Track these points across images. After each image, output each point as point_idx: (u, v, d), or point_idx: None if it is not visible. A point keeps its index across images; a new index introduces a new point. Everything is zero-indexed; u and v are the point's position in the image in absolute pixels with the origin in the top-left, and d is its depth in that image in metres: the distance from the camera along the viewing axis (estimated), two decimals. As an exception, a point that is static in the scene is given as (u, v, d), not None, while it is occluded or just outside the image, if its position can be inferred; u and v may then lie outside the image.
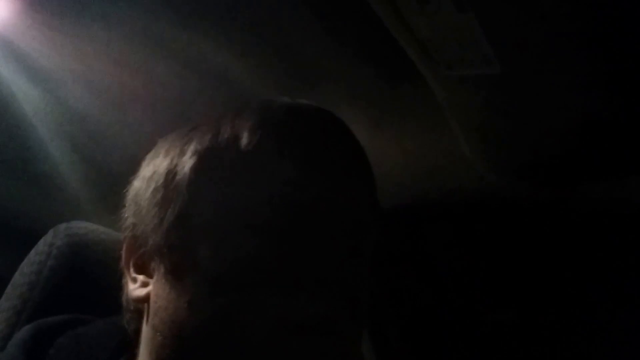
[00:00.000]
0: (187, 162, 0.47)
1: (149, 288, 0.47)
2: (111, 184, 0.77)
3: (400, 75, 0.68)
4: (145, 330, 0.48)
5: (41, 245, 0.61)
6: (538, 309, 0.90)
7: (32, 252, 0.61)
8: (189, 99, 0.74)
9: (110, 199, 0.59)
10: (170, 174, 0.47)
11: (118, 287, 0.53)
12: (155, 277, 0.46)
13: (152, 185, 0.48)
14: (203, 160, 0.46)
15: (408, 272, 0.94)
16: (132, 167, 0.53)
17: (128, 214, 0.50)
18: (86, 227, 0.63)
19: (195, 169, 0.46)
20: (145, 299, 0.47)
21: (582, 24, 0.48)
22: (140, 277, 0.48)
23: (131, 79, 0.70)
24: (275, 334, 0.42)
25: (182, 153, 0.48)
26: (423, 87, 0.63)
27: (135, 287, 0.48)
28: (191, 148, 0.47)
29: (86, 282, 0.60)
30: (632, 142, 0.64)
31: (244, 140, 0.46)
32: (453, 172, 0.78)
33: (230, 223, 0.44)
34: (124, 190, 0.53)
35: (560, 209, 0.84)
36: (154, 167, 0.49)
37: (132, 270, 0.49)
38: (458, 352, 0.93)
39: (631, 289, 0.85)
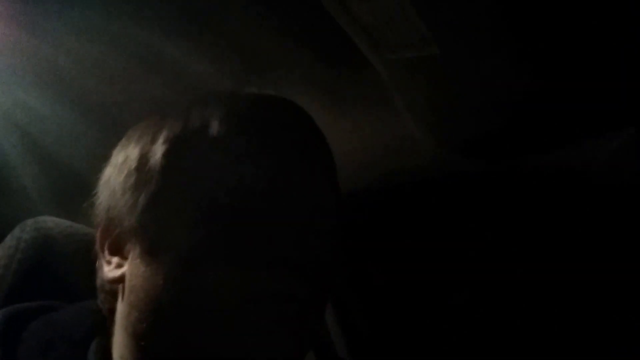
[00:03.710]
0: (159, 149, 0.50)
1: (124, 269, 0.49)
2: (73, 182, 0.78)
3: (348, 62, 0.71)
4: (121, 308, 0.50)
5: (9, 240, 0.62)
6: (491, 288, 0.94)
7: (0, 247, 0.62)
8: (146, 95, 0.75)
9: (73, 196, 0.60)
10: (143, 159, 0.50)
11: (87, 277, 0.55)
12: (130, 258, 0.49)
13: (125, 171, 0.51)
14: (174, 147, 0.49)
15: (369, 253, 0.97)
16: (94, 165, 0.55)
17: (101, 199, 0.53)
18: (53, 221, 0.65)
19: (167, 154, 0.49)
20: (121, 279, 0.49)
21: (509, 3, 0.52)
22: (115, 259, 0.50)
23: (89, 77, 0.72)
24: (240, 307, 0.45)
25: (153, 140, 0.51)
26: (371, 71, 0.67)
27: (110, 269, 0.50)
28: (162, 135, 0.50)
29: (55, 274, 0.62)
30: (566, 114, 0.69)
31: (213, 128, 0.49)
32: (404, 152, 0.82)
33: (200, 204, 0.47)
34: (83, 186, 0.55)
35: (506, 182, 0.88)
36: (126, 154, 0.52)
37: (106, 253, 0.51)
38: (420, 329, 0.97)
39: (581, 256, 0.89)
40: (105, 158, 0.55)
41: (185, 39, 0.68)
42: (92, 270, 0.54)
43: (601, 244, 0.86)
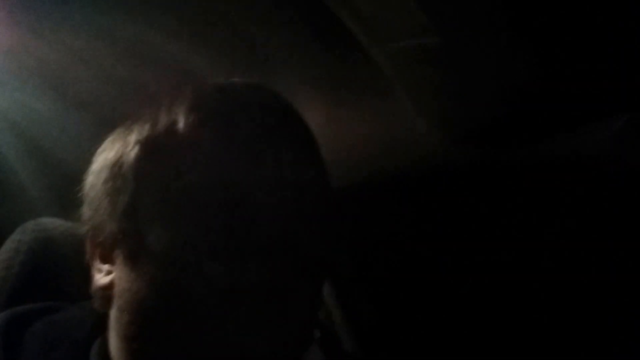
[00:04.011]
0: (131, 153, 0.49)
1: (113, 275, 0.50)
2: (73, 183, 0.78)
3: (348, 53, 0.70)
4: (113, 313, 0.51)
5: (9, 243, 0.62)
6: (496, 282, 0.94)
7: (1, 249, 0.62)
8: (141, 92, 0.75)
9: (74, 198, 0.60)
10: (117, 165, 0.50)
11: (87, 278, 0.55)
12: (117, 264, 0.49)
13: (103, 177, 0.51)
14: (145, 149, 0.49)
15: (373, 246, 0.97)
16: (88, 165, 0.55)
17: (85, 207, 0.53)
18: (53, 223, 0.65)
19: (138, 158, 0.49)
20: (111, 286, 0.50)
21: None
22: (105, 267, 0.51)
23: (88, 76, 0.72)
24: (224, 301, 0.45)
25: (125, 144, 0.50)
26: (371, 63, 0.66)
27: (101, 277, 0.51)
28: (133, 138, 0.50)
29: (56, 275, 0.62)
30: (568, 101, 0.68)
31: (180, 124, 0.48)
32: (406, 143, 0.81)
33: (175, 205, 0.47)
34: (82, 187, 0.55)
35: (510, 171, 0.88)
36: (102, 161, 0.52)
37: (97, 261, 0.51)
38: (426, 321, 0.96)
39: (583, 246, 0.89)
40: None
41: (182, 35, 0.68)
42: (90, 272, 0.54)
43: (603, 234, 0.86)
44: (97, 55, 0.68)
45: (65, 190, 0.84)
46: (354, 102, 0.78)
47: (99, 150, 0.54)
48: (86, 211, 0.52)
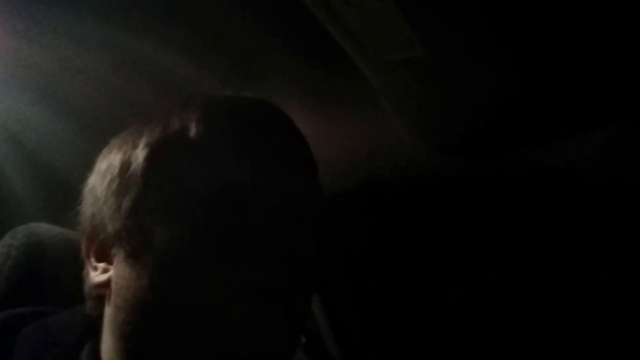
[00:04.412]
0: (140, 154, 0.51)
1: (110, 273, 0.51)
2: (65, 188, 0.78)
3: (335, 65, 0.72)
4: (108, 311, 0.51)
5: (0, 247, 0.62)
6: (482, 288, 0.95)
7: (-9, 254, 0.62)
8: (134, 100, 0.76)
9: (65, 203, 0.61)
10: (125, 164, 0.51)
11: (78, 283, 0.55)
12: (115, 262, 0.50)
13: (108, 177, 0.52)
14: (155, 151, 0.51)
15: (358, 252, 0.98)
16: (86, 172, 0.56)
17: (86, 207, 0.54)
18: (44, 228, 0.65)
19: (148, 159, 0.50)
20: (107, 283, 0.51)
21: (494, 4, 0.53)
22: (101, 265, 0.52)
23: (80, 84, 0.72)
24: (224, 302, 0.46)
25: (134, 146, 0.52)
26: (358, 74, 0.67)
27: (97, 274, 0.51)
28: (143, 141, 0.52)
29: (47, 280, 0.62)
30: (551, 111, 0.70)
31: (192, 131, 0.51)
32: (392, 153, 0.83)
33: (182, 206, 0.48)
34: (74, 193, 0.56)
35: (494, 181, 0.89)
36: (108, 161, 0.53)
37: (92, 259, 0.52)
38: (410, 326, 0.97)
39: (568, 256, 0.90)
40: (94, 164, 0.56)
41: (174, 44, 0.69)
42: (82, 273, 0.55)
43: (590, 240, 0.87)
44: (89, 63, 0.69)
45: (56, 196, 0.85)
46: (340, 112, 0.79)
47: (104, 152, 0.55)
48: (87, 210, 0.53)
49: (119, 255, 0.50)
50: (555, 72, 0.62)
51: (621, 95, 0.68)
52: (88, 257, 0.53)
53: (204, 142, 0.50)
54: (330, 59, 0.69)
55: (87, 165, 0.56)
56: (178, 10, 0.65)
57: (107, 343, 0.51)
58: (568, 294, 0.89)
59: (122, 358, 0.50)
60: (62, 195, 0.59)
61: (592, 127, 0.76)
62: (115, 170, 0.51)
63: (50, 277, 0.62)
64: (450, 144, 0.77)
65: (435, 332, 0.96)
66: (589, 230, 0.87)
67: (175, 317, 0.47)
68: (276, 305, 0.47)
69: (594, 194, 0.85)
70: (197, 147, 0.50)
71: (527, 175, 0.87)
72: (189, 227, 0.47)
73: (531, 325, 0.91)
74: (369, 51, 0.61)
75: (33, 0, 0.61)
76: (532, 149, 0.80)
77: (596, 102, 0.69)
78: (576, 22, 0.56)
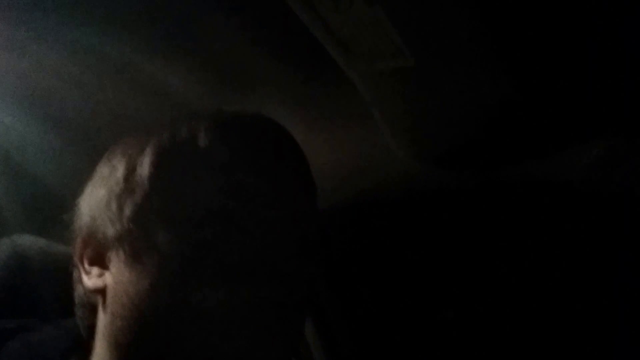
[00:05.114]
0: (147, 159, 0.51)
1: (105, 278, 0.50)
2: (50, 200, 0.77)
3: (325, 77, 0.72)
4: (102, 319, 0.50)
5: (-16, 260, 0.61)
6: (475, 304, 0.95)
7: (-24, 267, 0.61)
8: (125, 113, 0.75)
9: (51, 215, 0.60)
10: (130, 169, 0.51)
11: (64, 296, 0.54)
12: (113, 266, 0.49)
13: (111, 181, 0.52)
14: (162, 157, 0.51)
15: (349, 267, 0.97)
16: (72, 184, 0.55)
17: (83, 212, 0.53)
18: (29, 240, 0.64)
19: (155, 164, 0.51)
20: (101, 289, 0.50)
21: (482, 12, 0.53)
22: (95, 269, 0.51)
23: (67, 94, 0.72)
24: (226, 312, 0.46)
25: (141, 152, 0.52)
26: (348, 86, 0.67)
27: (91, 279, 0.50)
28: (150, 147, 0.52)
29: (31, 293, 0.61)
30: (543, 125, 0.70)
31: (201, 139, 0.51)
32: (383, 166, 0.82)
33: (188, 211, 0.48)
34: (59, 205, 0.55)
35: (485, 194, 0.89)
36: (111, 166, 0.53)
37: (85, 263, 0.51)
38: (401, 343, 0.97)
39: (561, 271, 0.90)
40: (82, 176, 0.56)
41: (165, 58, 0.69)
42: (69, 288, 0.54)
43: (581, 254, 0.87)
44: (82, 75, 0.69)
45: (42, 208, 0.84)
46: (330, 125, 0.79)
47: (105, 158, 0.55)
48: (84, 214, 0.53)
49: (117, 259, 0.49)
50: (551, 81, 0.62)
51: (618, 108, 0.68)
52: (81, 262, 0.52)
53: (212, 150, 0.50)
54: (321, 71, 0.69)
55: (74, 177, 0.56)
56: (170, 22, 0.65)
57: (100, 354, 0.50)
58: (560, 312, 0.89)
59: None
60: (49, 207, 0.59)
61: (588, 140, 0.76)
62: (120, 174, 0.51)
63: (35, 290, 0.62)
64: (441, 156, 0.77)
65: (428, 349, 0.96)
66: (583, 244, 0.87)
67: (173, 324, 0.47)
68: (276, 320, 0.47)
69: (588, 207, 0.85)
70: (205, 155, 0.50)
71: (520, 188, 0.87)
72: (192, 233, 0.47)
73: (527, 347, 0.90)
74: (359, 61, 0.61)
75: (25, 11, 0.61)
76: (526, 161, 0.80)
77: (593, 114, 0.69)
78: (573, 29, 0.56)
